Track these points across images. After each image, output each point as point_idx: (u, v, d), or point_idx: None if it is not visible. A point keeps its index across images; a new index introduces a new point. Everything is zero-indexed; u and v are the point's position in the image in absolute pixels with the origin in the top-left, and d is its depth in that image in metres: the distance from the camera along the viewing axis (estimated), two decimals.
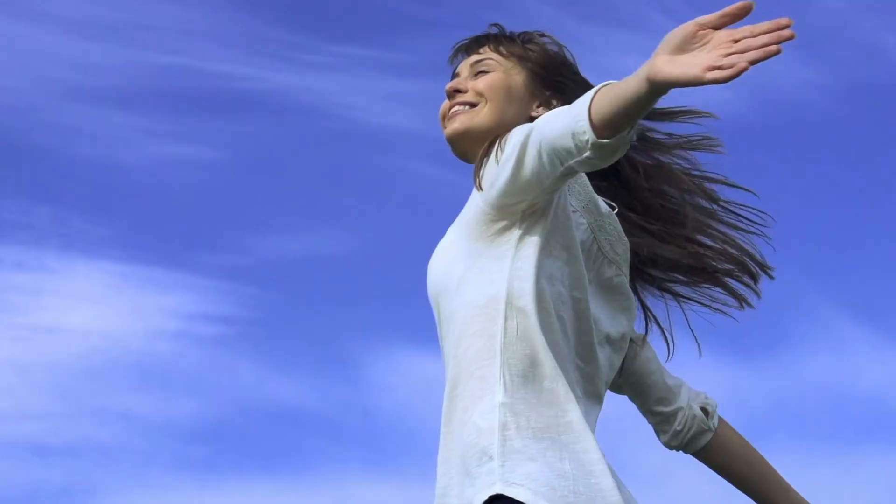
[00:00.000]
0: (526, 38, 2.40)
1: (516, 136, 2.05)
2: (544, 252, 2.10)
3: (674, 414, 2.41)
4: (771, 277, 2.42)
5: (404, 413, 5.99)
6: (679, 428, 2.41)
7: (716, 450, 2.44)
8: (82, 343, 6.44)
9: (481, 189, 2.13)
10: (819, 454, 5.89)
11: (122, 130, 6.53)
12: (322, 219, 6.36)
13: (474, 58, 2.38)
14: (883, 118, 6.39)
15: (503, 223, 2.12)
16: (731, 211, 2.41)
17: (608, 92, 1.87)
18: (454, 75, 2.39)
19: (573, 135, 1.90)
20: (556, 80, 2.36)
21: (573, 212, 2.15)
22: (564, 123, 1.92)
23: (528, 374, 2.05)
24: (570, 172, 1.99)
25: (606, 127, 1.87)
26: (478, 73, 2.35)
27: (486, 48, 2.39)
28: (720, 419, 2.45)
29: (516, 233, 2.11)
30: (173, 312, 6.47)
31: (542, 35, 2.41)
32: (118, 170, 6.54)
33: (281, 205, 6.50)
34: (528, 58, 2.36)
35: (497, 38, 2.40)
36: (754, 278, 2.41)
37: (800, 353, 6.12)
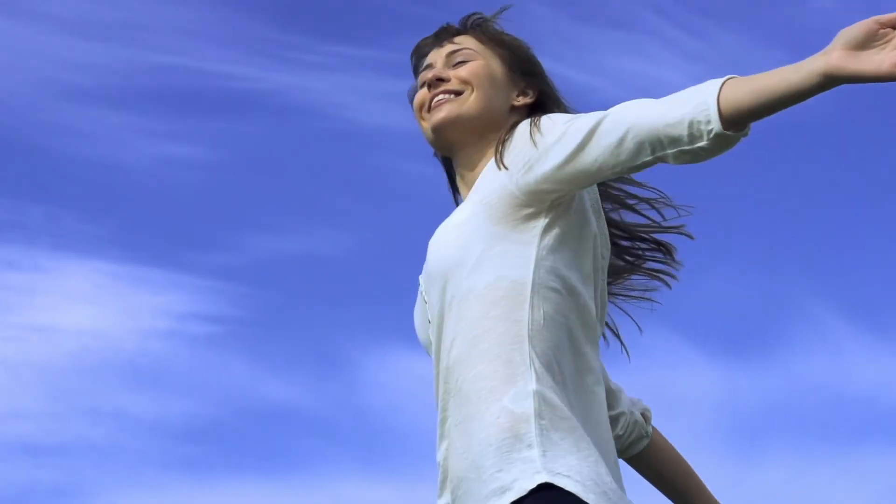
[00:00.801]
0: (497, 28, 2.40)
1: (579, 122, 2.04)
2: (566, 245, 2.11)
3: (616, 418, 2.38)
4: (690, 237, 2.35)
5: (397, 412, 5.98)
6: (620, 433, 2.39)
7: (650, 456, 2.44)
8: (75, 342, 6.43)
9: (506, 168, 2.13)
10: (814, 455, 5.90)
11: (117, 130, 6.53)
12: (316, 218, 6.35)
13: (449, 47, 2.35)
14: (876, 119, 6.40)
15: (530, 210, 2.11)
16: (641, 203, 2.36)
17: (746, 84, 1.90)
18: (426, 67, 2.36)
19: (692, 123, 1.91)
20: (529, 69, 2.36)
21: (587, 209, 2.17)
22: (678, 111, 1.92)
23: (552, 366, 2.04)
24: (655, 163, 2.00)
25: (735, 119, 1.90)
26: (457, 63, 2.33)
27: (462, 37, 2.37)
28: (653, 426, 2.46)
29: (542, 221, 2.10)
30: (166, 312, 6.46)
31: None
32: (112, 169, 6.53)
33: (275, 204, 6.50)
34: (503, 46, 2.36)
35: (472, 27, 2.39)
36: (669, 251, 2.36)
37: (795, 353, 6.13)
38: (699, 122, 1.91)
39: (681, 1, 6.40)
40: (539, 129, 2.11)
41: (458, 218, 2.17)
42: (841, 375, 6.23)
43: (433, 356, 2.16)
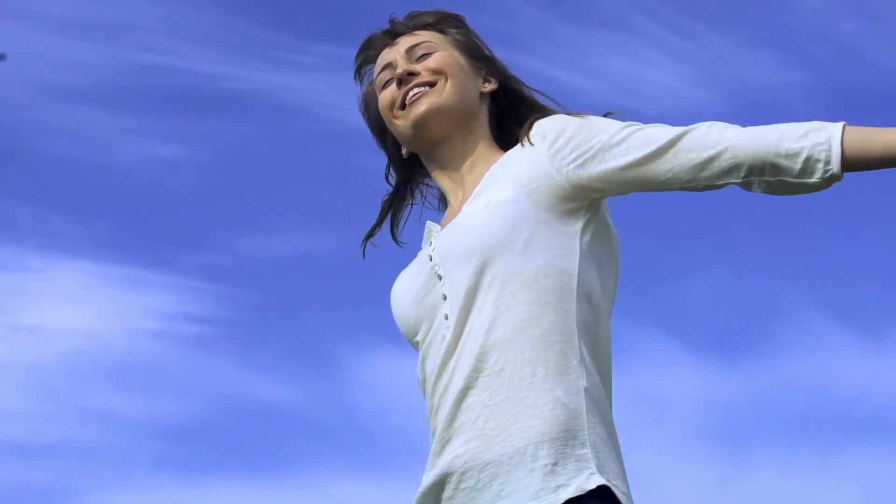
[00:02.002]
0: (448, 17, 2.35)
1: (651, 130, 2.07)
2: (600, 245, 2.11)
3: None
4: None
5: (386, 412, 5.99)
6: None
7: None
8: (64, 343, 6.42)
9: (531, 144, 2.12)
10: (801, 455, 5.91)
11: (105, 130, 6.52)
12: (305, 219, 6.36)
13: (406, 43, 2.29)
14: (862, 119, 6.41)
15: (573, 204, 2.09)
16: None
17: (876, 135, 1.96)
18: (385, 67, 2.29)
19: (808, 158, 1.96)
20: (484, 55, 2.32)
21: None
22: (795, 144, 1.98)
23: (594, 363, 2.04)
24: (735, 185, 2.07)
25: (854, 166, 1.96)
26: (420, 56, 2.26)
27: (420, 31, 2.31)
28: None
29: (582, 218, 2.10)
30: (155, 312, 6.46)
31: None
32: (100, 169, 6.53)
33: (263, 205, 6.50)
34: (459, 34, 2.33)
35: (428, 20, 2.34)
36: None
37: (782, 354, 6.14)
38: (817, 159, 1.96)
39: (669, 2, 6.41)
40: (590, 124, 2.12)
41: (500, 196, 2.09)
42: (828, 376, 6.25)
43: (442, 333, 2.05)
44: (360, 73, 2.41)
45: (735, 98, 6.39)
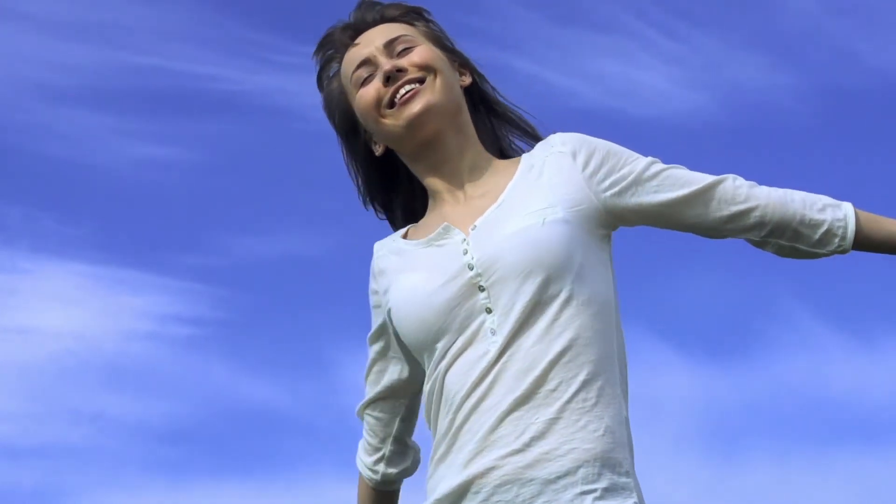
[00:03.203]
0: (412, 9, 2.29)
1: (679, 172, 2.17)
2: (614, 273, 2.14)
3: None
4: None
5: None
6: None
7: None
8: (54, 344, 6.41)
9: (561, 154, 2.14)
10: (792, 456, 5.92)
11: (96, 131, 6.51)
12: (296, 220, 6.34)
13: (382, 35, 2.21)
14: (854, 122, 6.43)
15: (604, 231, 2.13)
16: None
17: (883, 223, 2.19)
18: (362, 63, 2.20)
19: (827, 231, 2.17)
20: (454, 49, 2.28)
21: None
22: (817, 215, 2.18)
23: (627, 395, 2.07)
24: (750, 239, 2.21)
25: (861, 245, 2.19)
26: (401, 51, 2.19)
27: (389, 26, 2.24)
28: None
29: (608, 245, 2.14)
30: (146, 313, 6.44)
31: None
32: (91, 170, 6.51)
33: (254, 206, 6.48)
34: (429, 26, 2.28)
35: (393, 13, 2.27)
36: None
37: (773, 355, 6.15)
38: (834, 234, 2.17)
39: (660, 4, 6.41)
40: (615, 150, 2.17)
41: (553, 214, 2.05)
42: (820, 378, 6.26)
43: (485, 347, 2.00)
44: (324, 72, 2.31)
45: (726, 100, 6.39)
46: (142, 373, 6.40)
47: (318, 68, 2.33)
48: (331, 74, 2.32)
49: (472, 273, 2.02)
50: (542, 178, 2.13)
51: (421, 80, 2.16)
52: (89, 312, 6.50)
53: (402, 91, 2.15)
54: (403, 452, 2.31)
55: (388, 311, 2.13)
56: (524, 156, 2.22)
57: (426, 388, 2.08)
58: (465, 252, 2.05)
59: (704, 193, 2.16)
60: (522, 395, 1.95)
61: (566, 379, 1.97)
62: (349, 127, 2.29)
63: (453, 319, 2.02)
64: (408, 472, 2.32)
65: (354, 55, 2.22)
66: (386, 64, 2.17)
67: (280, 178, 6.40)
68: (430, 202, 2.24)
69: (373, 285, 2.22)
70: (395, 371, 2.25)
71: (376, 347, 2.25)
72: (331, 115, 2.32)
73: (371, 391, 2.29)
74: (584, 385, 1.98)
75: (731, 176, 2.18)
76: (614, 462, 1.97)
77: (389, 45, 2.20)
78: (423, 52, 2.19)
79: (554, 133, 2.24)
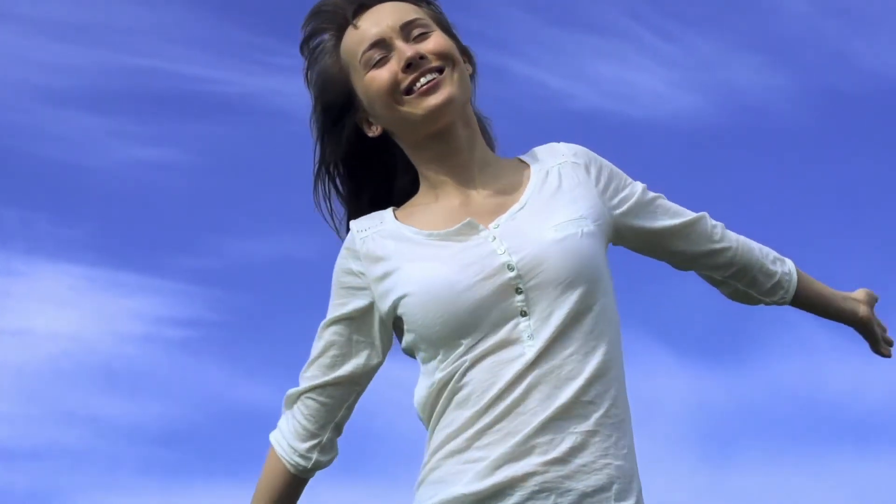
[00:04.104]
0: None
1: (668, 203, 2.29)
2: None
3: None
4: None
5: (373, 416, 5.97)
6: None
7: None
8: (49, 346, 6.40)
9: (574, 166, 2.17)
10: (788, 458, 5.92)
11: (91, 132, 6.50)
12: (291, 222, 6.34)
13: (399, 17, 2.14)
14: (849, 124, 6.43)
15: (607, 247, 2.16)
16: None
17: (815, 285, 2.46)
18: (375, 44, 2.12)
19: (778, 282, 2.38)
20: (456, 36, 2.23)
21: None
22: (773, 266, 2.39)
23: None
24: (713, 279, 2.38)
25: (796, 300, 2.42)
26: (417, 36, 2.13)
27: (406, 6, 2.17)
28: None
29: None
30: (141, 315, 6.44)
31: None
32: (86, 172, 6.51)
33: (249, 208, 6.48)
34: (436, 11, 2.22)
35: None
36: None
37: (768, 357, 6.15)
38: (782, 286, 2.38)
39: (656, 6, 6.42)
40: (616, 169, 2.24)
41: (584, 224, 2.06)
42: (815, 379, 6.26)
43: (519, 350, 1.99)
44: (310, 42, 2.23)
45: (722, 102, 6.40)
46: (137, 375, 6.39)
47: (306, 34, 2.24)
48: (320, 44, 2.23)
49: (511, 274, 2.01)
50: (562, 187, 2.13)
51: (440, 70, 2.10)
52: (84, 314, 6.49)
53: (423, 80, 2.10)
54: (335, 440, 2.28)
55: (395, 299, 2.07)
56: (528, 159, 2.22)
57: (436, 377, 2.04)
58: (502, 251, 2.03)
59: (691, 226, 2.29)
60: (564, 404, 1.96)
61: (601, 393, 2.00)
62: (341, 104, 2.21)
63: (485, 317, 2.00)
64: (332, 461, 2.29)
65: (365, 33, 2.14)
66: (407, 50, 2.10)
67: (276, 180, 6.40)
68: (429, 191, 2.19)
69: (353, 266, 2.14)
70: (361, 357, 2.18)
71: (338, 330, 2.17)
72: (320, 89, 2.22)
73: (324, 375, 2.20)
74: (615, 400, 2.02)
75: (706, 214, 2.32)
76: (635, 481, 2.03)
77: (405, 28, 2.13)
78: (440, 40, 2.13)
79: (550, 141, 2.25)
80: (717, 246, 2.32)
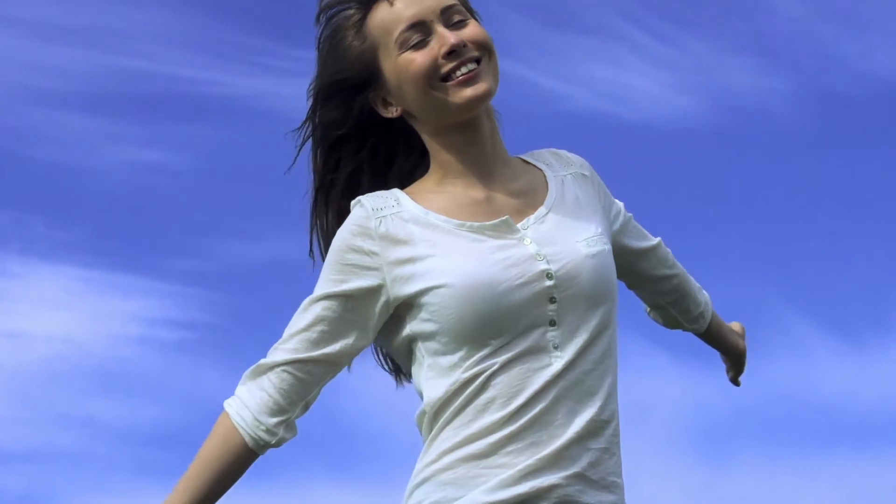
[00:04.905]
0: None
1: (640, 227, 2.37)
2: None
3: None
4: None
5: (369, 418, 5.97)
6: None
7: None
8: (44, 348, 6.39)
9: (583, 178, 2.20)
10: (783, 460, 5.93)
11: (86, 134, 6.50)
12: (286, 224, 6.33)
13: (442, 1, 2.07)
14: (844, 125, 6.44)
15: None
16: None
17: (719, 321, 2.58)
18: (414, 24, 2.05)
19: (702, 313, 2.51)
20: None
21: None
22: (700, 297, 2.51)
23: None
24: (652, 303, 2.49)
25: (707, 332, 2.56)
26: (456, 23, 2.07)
27: None
28: None
29: None
30: (136, 317, 6.43)
31: None
32: (81, 174, 6.50)
33: (245, 210, 6.47)
34: (467, 0, 2.17)
35: None
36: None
37: (764, 359, 6.15)
38: (704, 317, 2.51)
39: (651, 8, 6.42)
40: (607, 189, 2.27)
41: (603, 242, 2.09)
42: (810, 381, 6.27)
43: (546, 360, 1.98)
44: (330, 11, 2.14)
45: (717, 104, 6.40)
46: (132, 377, 6.38)
47: (326, 3, 2.16)
48: (343, 15, 2.14)
49: (549, 283, 2.00)
50: (580, 200, 2.14)
51: (478, 60, 2.06)
52: (79, 316, 6.48)
53: (464, 69, 2.04)
54: (296, 420, 2.16)
55: (424, 287, 1.99)
56: (536, 162, 2.20)
57: (458, 376, 1.99)
58: (541, 258, 2.01)
59: (655, 250, 2.37)
60: (587, 420, 1.98)
61: (612, 411, 2.03)
62: (361, 80, 2.12)
63: (518, 321, 1.98)
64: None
65: (402, 12, 2.06)
66: (451, 36, 2.04)
67: (271, 181, 6.40)
68: (442, 178, 2.12)
69: (364, 244, 2.04)
70: (350, 338, 2.07)
71: (330, 306, 2.06)
72: (338, 63, 2.13)
73: (307, 350, 2.07)
74: (618, 419, 2.06)
75: (659, 239, 2.39)
76: (617, 472, 2.04)
77: (445, 13, 2.07)
78: (479, 29, 2.08)
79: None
80: (670, 272, 2.41)
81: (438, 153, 2.13)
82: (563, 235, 2.06)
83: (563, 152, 2.24)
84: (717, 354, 2.68)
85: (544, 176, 2.17)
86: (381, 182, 2.19)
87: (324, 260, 2.14)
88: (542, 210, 2.09)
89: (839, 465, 5.91)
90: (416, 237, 2.03)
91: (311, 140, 2.23)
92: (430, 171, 2.16)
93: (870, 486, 5.79)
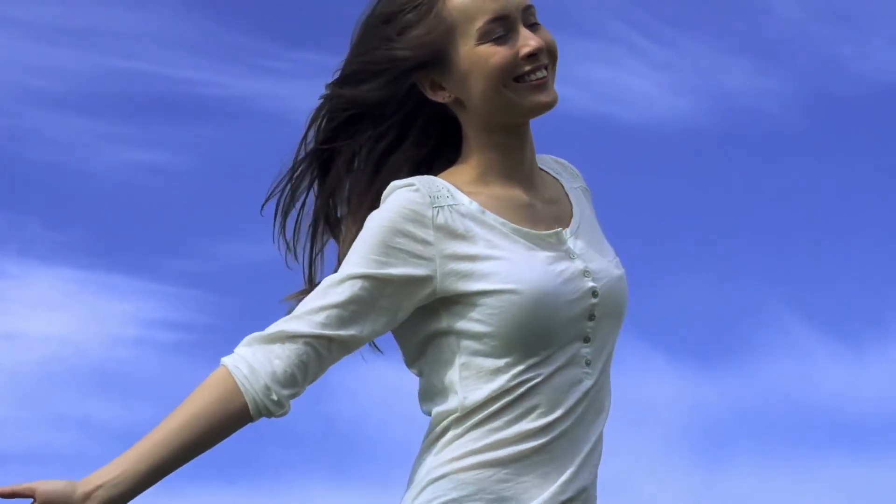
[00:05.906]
0: None
1: None
2: None
3: None
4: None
5: (366, 420, 5.97)
6: None
7: None
8: (41, 349, 6.39)
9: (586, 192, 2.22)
10: (781, 461, 5.93)
11: (83, 135, 6.49)
12: None
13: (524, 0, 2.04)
14: (841, 127, 6.45)
15: None
16: None
17: None
18: (498, 17, 2.00)
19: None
20: None
21: None
22: None
23: None
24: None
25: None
26: (532, 24, 2.04)
27: None
28: None
29: None
30: (133, 319, 6.43)
31: None
32: (79, 175, 6.50)
33: (242, 211, 6.47)
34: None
35: None
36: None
37: (762, 360, 6.16)
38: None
39: (649, 10, 6.43)
40: None
41: (612, 257, 2.11)
42: (808, 382, 6.27)
43: (579, 376, 2.00)
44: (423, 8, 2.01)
45: (714, 106, 6.41)
46: (129, 378, 6.38)
47: None
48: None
49: (594, 301, 2.00)
50: (592, 216, 2.17)
51: (547, 67, 2.04)
52: (76, 317, 6.48)
53: (539, 74, 2.01)
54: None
55: (484, 288, 1.94)
56: (549, 169, 2.18)
57: (502, 382, 1.96)
58: (588, 274, 2.01)
59: None
60: (597, 437, 2.04)
61: (603, 429, 2.06)
62: (422, 58, 2.03)
63: (563, 335, 1.97)
64: None
65: (488, 2, 2.00)
66: (534, 39, 2.00)
67: (268, 183, 6.40)
68: (479, 175, 2.06)
69: (417, 231, 1.96)
70: (378, 324, 1.98)
71: (367, 286, 1.95)
72: (403, 41, 2.02)
73: (337, 328, 1.96)
74: (605, 421, 2.08)
75: None
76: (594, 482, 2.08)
77: (526, 12, 2.03)
78: (551, 36, 2.06)
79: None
80: None
81: (482, 150, 2.07)
82: (597, 253, 2.06)
83: (565, 162, 2.23)
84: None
85: (563, 187, 2.16)
86: (384, 162, 2.11)
87: (338, 232, 2.16)
88: (573, 225, 2.07)
89: (837, 467, 5.92)
90: (474, 235, 1.97)
91: (322, 117, 2.15)
92: (464, 165, 2.08)
93: (868, 487, 5.79)
